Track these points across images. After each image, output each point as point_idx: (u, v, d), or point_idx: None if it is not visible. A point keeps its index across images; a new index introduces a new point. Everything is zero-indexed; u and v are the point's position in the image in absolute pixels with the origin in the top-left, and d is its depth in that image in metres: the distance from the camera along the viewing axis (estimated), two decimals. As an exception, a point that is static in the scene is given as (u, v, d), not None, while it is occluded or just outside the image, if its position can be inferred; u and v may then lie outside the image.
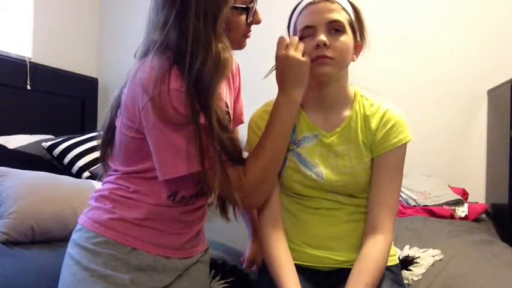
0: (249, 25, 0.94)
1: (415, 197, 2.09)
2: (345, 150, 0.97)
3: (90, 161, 2.10)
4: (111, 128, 0.97)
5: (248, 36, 0.96)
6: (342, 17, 0.93)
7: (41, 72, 2.61)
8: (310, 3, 0.94)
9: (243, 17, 0.91)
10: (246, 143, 1.03)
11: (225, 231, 1.50)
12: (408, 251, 1.33)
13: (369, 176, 0.97)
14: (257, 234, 1.16)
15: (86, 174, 2.08)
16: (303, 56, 0.90)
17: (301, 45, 0.91)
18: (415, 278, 1.15)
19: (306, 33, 0.94)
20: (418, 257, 1.25)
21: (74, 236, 0.95)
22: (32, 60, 2.58)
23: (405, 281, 1.09)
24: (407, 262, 1.22)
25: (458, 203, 2.04)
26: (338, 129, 0.98)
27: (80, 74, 2.96)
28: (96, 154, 1.88)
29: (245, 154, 0.95)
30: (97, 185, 1.55)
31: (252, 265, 1.19)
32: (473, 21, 2.40)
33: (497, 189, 2.16)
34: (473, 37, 2.40)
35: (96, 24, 3.24)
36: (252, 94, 1.36)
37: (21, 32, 2.63)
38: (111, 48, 3.20)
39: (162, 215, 0.93)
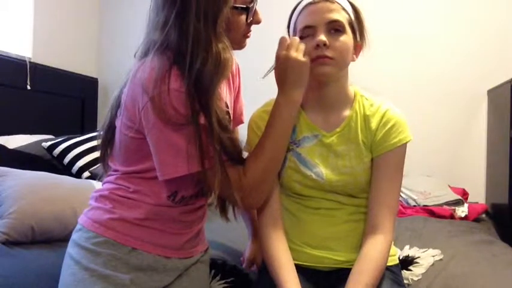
0: (249, 25, 0.94)
1: (415, 197, 2.09)
2: (344, 150, 0.97)
3: (90, 161, 2.10)
4: (111, 128, 0.97)
5: (248, 36, 0.96)
6: (341, 17, 0.93)
7: (41, 72, 2.61)
8: (310, 3, 0.94)
9: (243, 17, 0.91)
10: (246, 143, 1.03)
11: (225, 231, 1.50)
12: (408, 251, 1.33)
13: (369, 176, 0.97)
14: (257, 234, 1.16)
15: (86, 174, 2.08)
16: (303, 56, 0.90)
17: (302, 46, 0.91)
18: (415, 278, 1.15)
19: (306, 33, 0.94)
20: (418, 257, 1.25)
21: (74, 236, 0.95)
22: (32, 60, 2.58)
23: (405, 281, 1.09)
24: (407, 262, 1.22)
25: (458, 203, 2.04)
26: (338, 129, 0.98)
27: (80, 74, 2.96)
28: (96, 154, 1.88)
29: (245, 154, 0.95)
30: (97, 185, 1.55)
31: (252, 265, 1.19)
32: (473, 21, 2.40)
33: (497, 189, 2.16)
34: (473, 37, 2.40)
35: (96, 24, 3.24)
36: (251, 94, 1.36)
37: (21, 32, 2.63)
38: (111, 48, 3.20)
39: (162, 215, 0.93)
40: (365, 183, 0.97)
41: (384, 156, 0.95)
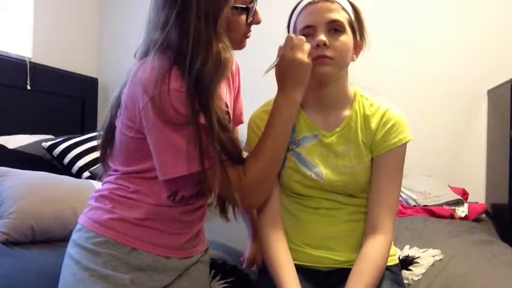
0: (249, 25, 0.94)
1: (415, 197, 2.09)
2: (344, 150, 0.97)
3: (90, 161, 2.10)
4: (111, 128, 0.97)
5: (248, 37, 0.96)
6: (341, 16, 0.93)
7: (41, 72, 2.61)
8: (310, 3, 0.94)
9: (243, 17, 0.91)
10: (245, 143, 1.03)
11: (225, 231, 1.49)
12: (408, 251, 1.33)
13: (368, 176, 0.97)
14: (257, 234, 1.16)
15: (86, 174, 2.07)
16: (307, 57, 0.90)
17: (308, 47, 0.90)
18: (415, 278, 1.15)
19: (306, 33, 0.93)
20: (418, 257, 1.25)
21: (74, 236, 0.95)
22: (32, 60, 2.58)
23: (405, 281, 1.09)
24: (407, 262, 1.22)
25: (458, 203, 2.04)
26: (338, 129, 0.98)
27: (80, 74, 2.96)
28: (96, 154, 1.87)
29: (245, 154, 0.95)
30: (97, 185, 1.55)
31: (252, 265, 1.19)
32: (473, 21, 2.40)
33: (497, 189, 2.16)
34: (473, 37, 2.40)
35: (96, 24, 3.24)
36: (251, 94, 1.36)
37: (21, 32, 2.63)
38: (111, 48, 3.20)
39: (162, 215, 0.93)
40: (365, 183, 0.97)
41: (383, 156, 0.95)
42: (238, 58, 1.05)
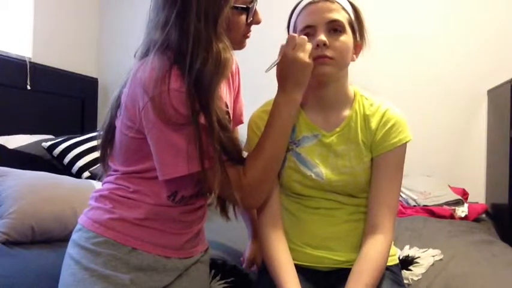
0: (249, 25, 0.94)
1: (415, 197, 2.09)
2: (344, 150, 0.97)
3: (90, 161, 2.10)
4: (111, 128, 0.97)
5: (248, 37, 0.96)
6: (341, 16, 0.93)
7: (41, 72, 2.61)
8: (310, 3, 0.94)
9: (243, 17, 0.90)
10: (245, 143, 1.03)
11: (225, 231, 1.49)
12: (408, 251, 1.33)
13: (368, 176, 0.97)
14: (257, 234, 1.16)
15: (86, 174, 2.07)
16: (308, 57, 0.90)
17: (309, 46, 0.90)
18: (415, 278, 1.15)
19: (306, 33, 0.93)
20: (418, 257, 1.25)
21: (74, 236, 0.95)
22: (32, 60, 2.58)
23: (405, 281, 1.09)
24: (407, 262, 1.22)
25: (458, 203, 2.04)
26: (338, 129, 0.98)
27: (80, 74, 2.96)
28: (96, 154, 1.88)
29: (245, 154, 0.95)
30: (97, 185, 1.55)
31: (252, 265, 1.19)
32: (473, 21, 2.40)
33: (497, 189, 2.16)
34: (473, 37, 2.40)
35: (96, 24, 3.24)
36: (251, 94, 1.36)
37: (21, 32, 2.63)
38: (111, 48, 3.20)
39: (162, 215, 0.93)
40: (365, 183, 0.97)
41: (383, 156, 0.95)
42: (238, 58, 1.05)
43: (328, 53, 0.91)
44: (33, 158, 2.01)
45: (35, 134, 2.37)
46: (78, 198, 1.41)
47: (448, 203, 2.03)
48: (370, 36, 1.00)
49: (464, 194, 2.21)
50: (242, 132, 1.12)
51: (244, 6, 0.89)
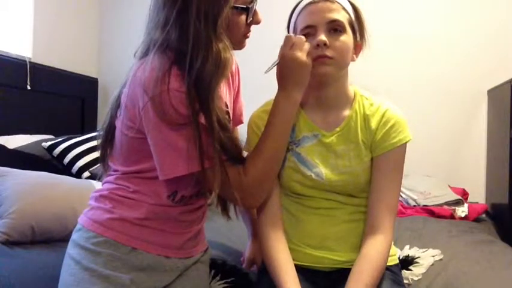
0: (248, 25, 0.93)
1: (415, 197, 2.09)
2: (344, 150, 0.97)
3: (90, 161, 2.10)
4: (111, 128, 0.97)
5: (248, 37, 0.96)
6: (342, 16, 0.93)
7: (41, 72, 2.61)
8: (310, 3, 0.95)
9: (243, 17, 0.90)
10: (245, 143, 1.03)
11: (225, 231, 1.50)
12: (408, 251, 1.33)
13: (368, 176, 0.97)
14: (257, 234, 1.16)
15: (86, 174, 2.07)
16: (307, 56, 0.90)
17: (307, 46, 0.90)
18: (415, 278, 1.15)
19: (306, 32, 0.94)
20: (418, 257, 1.25)
21: (74, 236, 0.95)
22: (32, 60, 2.58)
23: (405, 281, 1.09)
24: (407, 262, 1.22)
25: (458, 203, 2.04)
26: (338, 129, 0.98)
27: (80, 74, 2.96)
28: (96, 154, 1.88)
29: (245, 154, 0.95)
30: (97, 185, 1.55)
31: (252, 265, 1.19)
32: (473, 21, 2.40)
33: (497, 189, 2.15)
34: (473, 37, 2.40)
35: (96, 24, 3.24)
36: (251, 94, 1.36)
37: (21, 32, 2.63)
38: (111, 48, 3.20)
39: (162, 214, 0.93)
40: (365, 183, 0.97)
41: (383, 156, 0.95)
42: (238, 58, 1.05)
43: (328, 52, 0.91)
44: (33, 158, 2.01)
45: (35, 134, 2.37)
46: (78, 198, 1.41)
47: (448, 203, 2.02)
48: (370, 36, 1.00)
49: (464, 194, 2.21)
50: (242, 132, 1.12)
51: (244, 6, 0.89)
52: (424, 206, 2.02)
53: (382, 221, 0.93)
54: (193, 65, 0.82)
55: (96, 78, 3.13)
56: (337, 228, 0.98)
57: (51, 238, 1.35)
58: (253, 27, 0.95)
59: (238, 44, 0.95)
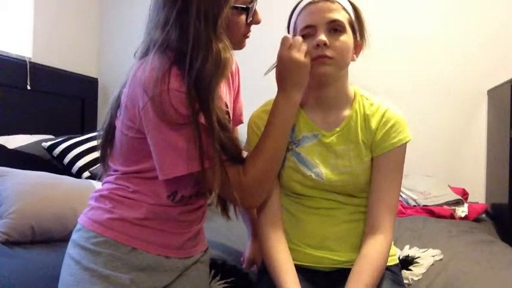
0: (248, 25, 0.94)
1: (415, 197, 2.09)
2: (344, 150, 0.97)
3: (90, 161, 2.10)
4: (111, 128, 0.97)
5: (248, 37, 0.96)
6: (342, 16, 0.93)
7: (41, 72, 2.61)
8: (310, 3, 0.94)
9: (243, 17, 0.91)
10: (245, 143, 1.03)
11: (225, 231, 1.50)
12: (408, 251, 1.33)
13: (368, 176, 0.97)
14: (257, 234, 1.16)
15: (86, 174, 2.07)
16: (305, 57, 0.90)
17: (305, 46, 0.90)
18: (415, 278, 1.15)
19: (306, 32, 0.93)
20: (418, 257, 1.25)
21: (74, 236, 0.95)
22: (32, 60, 2.58)
23: (405, 281, 1.09)
24: (407, 262, 1.22)
25: (458, 203, 2.04)
26: (338, 129, 0.98)
27: (80, 74, 2.96)
28: (96, 154, 1.88)
29: (245, 154, 0.95)
30: (97, 185, 1.55)
31: (252, 265, 1.19)
32: (473, 21, 2.40)
33: (497, 189, 2.15)
34: (473, 37, 2.40)
35: (96, 25, 3.24)
36: (251, 94, 1.36)
37: (21, 32, 2.63)
38: (111, 48, 3.20)
39: (162, 214, 0.93)
40: (365, 183, 0.97)
41: (383, 156, 0.95)
42: (238, 58, 1.05)
43: (328, 52, 0.91)
44: (33, 158, 2.01)
45: (35, 134, 2.37)
46: (78, 198, 1.41)
47: (448, 203, 2.02)
48: (370, 36, 1.00)
49: (464, 194, 2.21)
50: (242, 132, 1.12)
51: (244, 6, 0.89)
52: (424, 206, 2.02)
53: (382, 221, 0.93)
54: (193, 65, 0.82)
55: (96, 78, 3.13)
56: (337, 228, 0.98)
57: (51, 238, 1.35)
58: (253, 27, 0.95)
59: (238, 44, 0.95)
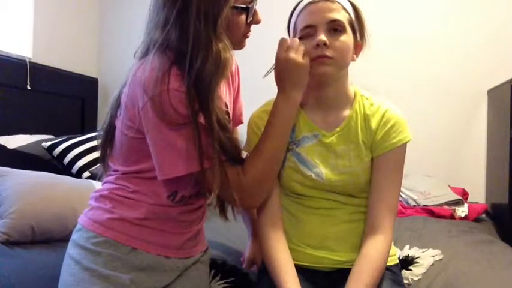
0: (248, 25, 0.94)
1: (415, 197, 2.09)
2: (344, 150, 0.97)
3: (90, 161, 2.10)
4: (111, 128, 0.97)
5: (247, 37, 0.96)
6: (342, 16, 0.93)
7: (41, 72, 2.61)
8: (310, 3, 0.94)
9: (243, 17, 0.91)
10: (245, 143, 1.03)
11: (225, 231, 1.50)
12: (408, 251, 1.33)
13: (368, 176, 0.97)
14: (257, 234, 1.16)
15: (86, 174, 2.07)
16: (303, 57, 0.90)
17: (302, 47, 0.91)
18: (415, 278, 1.15)
19: (306, 32, 0.94)
20: (418, 257, 1.25)
21: (74, 236, 0.95)
22: (32, 60, 2.58)
23: (405, 281, 1.09)
24: (407, 262, 1.22)
25: (458, 203, 2.04)
26: (338, 129, 0.98)
27: (80, 74, 2.96)
28: (96, 154, 1.88)
29: (245, 154, 0.95)
30: (97, 185, 1.55)
31: (252, 265, 1.19)
32: (473, 21, 2.40)
33: (497, 189, 2.15)
34: (473, 37, 2.40)
35: (96, 25, 3.24)
36: (251, 94, 1.36)
37: (21, 32, 2.63)
38: (111, 48, 3.20)
39: (162, 214, 0.93)
40: (365, 183, 0.97)
41: (383, 156, 0.95)
42: (238, 58, 1.05)
43: (328, 52, 0.91)
44: (33, 158, 2.01)
45: (35, 134, 2.37)
46: (78, 198, 1.41)
47: (448, 203, 2.02)
48: (370, 36, 1.00)
49: (464, 194, 2.21)
50: (242, 132, 1.12)
51: (244, 6, 0.89)
52: (424, 206, 2.02)
53: (382, 221, 0.93)
54: (193, 65, 0.82)
55: (96, 78, 3.13)
56: (337, 228, 0.98)
57: (51, 238, 1.35)
58: (253, 27, 0.95)
59: (238, 44, 0.95)
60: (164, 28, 0.86)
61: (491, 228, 1.89)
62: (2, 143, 2.03)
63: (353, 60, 0.98)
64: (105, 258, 0.88)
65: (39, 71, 2.59)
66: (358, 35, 0.98)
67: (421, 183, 2.19)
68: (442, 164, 2.44)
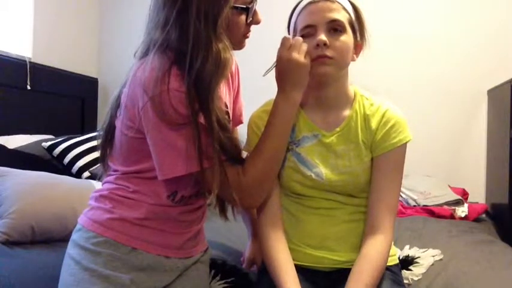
0: (248, 25, 0.94)
1: (415, 197, 2.09)
2: (344, 150, 0.97)
3: (90, 161, 2.10)
4: (111, 128, 0.97)
5: (247, 37, 0.96)
6: (342, 16, 0.93)
7: (41, 72, 2.61)
8: (310, 3, 0.94)
9: (243, 17, 0.91)
10: (245, 143, 1.03)
11: (225, 231, 1.50)
12: (408, 251, 1.33)
13: (368, 176, 0.97)
14: (257, 234, 1.16)
15: (86, 174, 2.08)
16: (305, 57, 0.90)
17: (305, 47, 0.90)
18: (415, 278, 1.15)
19: (306, 32, 0.94)
20: (418, 257, 1.25)
21: (74, 236, 0.95)
22: (32, 60, 2.58)
23: (405, 281, 1.09)
24: (407, 262, 1.22)
25: (458, 203, 2.04)
26: (338, 129, 0.98)
27: (80, 74, 2.96)
28: (96, 154, 1.88)
29: (245, 154, 0.95)
30: (97, 185, 1.55)
31: (252, 265, 1.19)
32: (473, 21, 2.40)
33: (497, 189, 2.15)
34: (473, 37, 2.40)
35: (96, 25, 3.24)
36: (251, 94, 1.36)
37: (21, 32, 2.63)
38: (111, 48, 3.20)
39: (162, 214, 0.93)
40: (365, 183, 0.97)
41: (383, 156, 0.95)
42: (238, 58, 1.05)
43: (329, 52, 0.91)
44: (33, 158, 2.01)
45: (35, 134, 2.37)
46: (78, 198, 1.41)
47: (448, 203, 2.02)
48: (370, 36, 1.00)
49: (464, 194, 2.21)
50: (242, 132, 1.12)
51: (244, 6, 0.89)
52: (424, 206, 2.02)
53: (382, 221, 0.93)
54: (193, 65, 0.82)
55: (96, 78, 3.13)
56: (337, 228, 0.98)
57: (51, 238, 1.35)
58: (253, 27, 0.95)
59: (238, 44, 0.95)
60: (164, 28, 0.86)
61: (491, 228, 1.89)
62: (2, 143, 2.03)
63: (353, 60, 0.98)
64: (105, 258, 0.88)
65: (39, 71, 2.59)
66: (358, 35, 0.98)
67: (421, 183, 2.19)
68: (442, 164, 2.44)
